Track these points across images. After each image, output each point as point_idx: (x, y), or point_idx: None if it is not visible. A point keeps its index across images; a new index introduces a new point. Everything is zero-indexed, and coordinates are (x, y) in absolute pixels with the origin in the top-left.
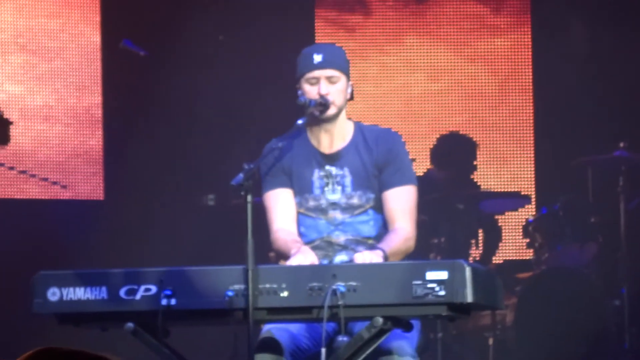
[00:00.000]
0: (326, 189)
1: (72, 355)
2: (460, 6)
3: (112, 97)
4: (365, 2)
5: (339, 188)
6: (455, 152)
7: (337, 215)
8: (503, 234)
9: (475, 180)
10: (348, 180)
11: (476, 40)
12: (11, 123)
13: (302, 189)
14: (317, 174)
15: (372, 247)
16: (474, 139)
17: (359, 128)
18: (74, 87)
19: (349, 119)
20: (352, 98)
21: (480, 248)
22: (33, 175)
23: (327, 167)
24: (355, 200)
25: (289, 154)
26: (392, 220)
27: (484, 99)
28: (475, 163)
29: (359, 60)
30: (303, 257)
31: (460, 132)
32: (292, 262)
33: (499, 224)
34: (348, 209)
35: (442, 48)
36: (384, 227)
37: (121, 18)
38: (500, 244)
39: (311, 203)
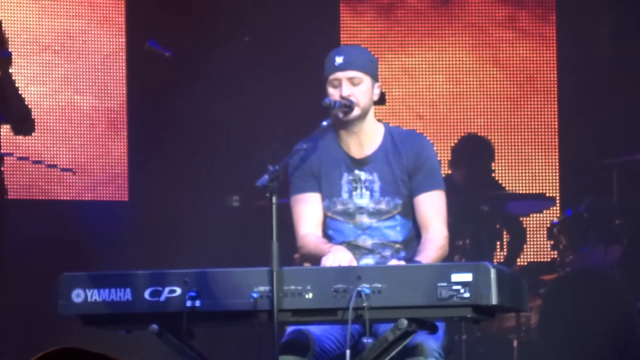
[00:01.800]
0: (354, 193)
1: (93, 357)
2: (484, 7)
3: (137, 98)
4: (389, 3)
5: (367, 193)
6: (471, 153)
7: (365, 219)
8: (527, 236)
9: (498, 180)
10: (377, 186)
11: (500, 41)
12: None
13: (330, 193)
14: (345, 177)
15: (398, 252)
16: (493, 141)
17: (388, 131)
18: (98, 88)
19: (379, 120)
20: (382, 101)
21: (505, 250)
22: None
23: (357, 172)
24: (383, 206)
25: (319, 157)
26: (426, 224)
27: (508, 100)
28: (492, 165)
29: (381, 62)
30: (343, 255)
31: (478, 134)
32: (330, 258)
33: (524, 226)
34: (376, 214)
35: (466, 50)
36: (411, 232)
37: (146, 19)
38: (525, 246)
39: (339, 207)
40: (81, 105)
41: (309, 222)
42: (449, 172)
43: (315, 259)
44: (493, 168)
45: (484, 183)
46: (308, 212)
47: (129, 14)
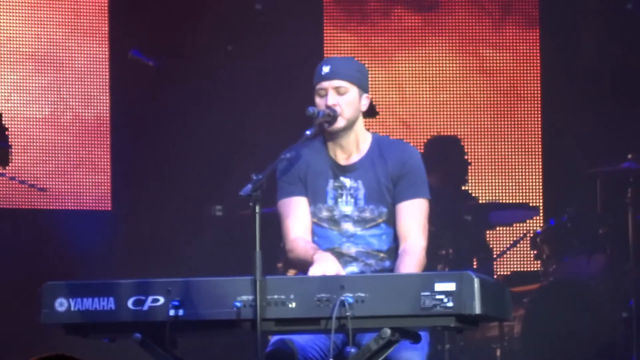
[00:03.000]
0: (339, 200)
1: None
2: (469, 16)
3: (120, 107)
4: (372, 13)
5: (352, 200)
6: (441, 155)
7: (349, 227)
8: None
9: (469, 191)
10: (361, 194)
11: (484, 50)
12: (10, 147)
13: (316, 198)
14: (331, 184)
15: (383, 261)
16: (476, 149)
17: (376, 140)
18: (81, 96)
19: (368, 130)
20: (373, 113)
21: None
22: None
23: (342, 179)
24: (367, 214)
25: (306, 163)
26: (404, 233)
27: (492, 109)
28: (466, 157)
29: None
30: (329, 264)
31: (442, 134)
32: (316, 268)
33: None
34: (360, 221)
35: (449, 58)
36: (396, 241)
37: (129, 28)
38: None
39: (324, 213)
40: (64, 113)
41: (298, 225)
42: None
43: (304, 263)
44: (468, 160)
45: (461, 182)
46: (297, 215)
47: (113, 23)
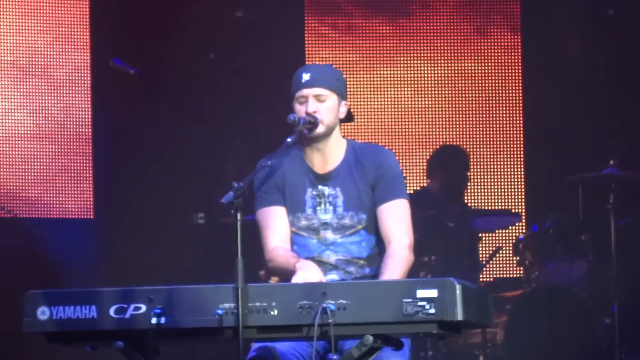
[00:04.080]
0: (318, 208)
1: None
2: (450, 21)
3: (102, 115)
4: (353, 19)
5: (331, 208)
6: (445, 163)
7: (329, 235)
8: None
9: (465, 200)
10: (340, 201)
11: (466, 57)
12: None
13: (294, 208)
14: (309, 193)
15: (362, 268)
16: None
17: (351, 147)
18: (62, 105)
19: (343, 137)
20: (349, 119)
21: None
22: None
23: (320, 187)
24: (347, 221)
25: (283, 172)
26: (388, 235)
27: (474, 115)
28: (468, 174)
29: (348, 76)
30: (311, 272)
31: (452, 144)
32: (298, 276)
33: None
34: (340, 229)
35: (431, 64)
36: (376, 248)
37: (111, 36)
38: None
39: (303, 222)
40: (45, 122)
41: (277, 235)
42: (427, 182)
43: (285, 272)
44: (469, 176)
45: (460, 192)
46: (275, 225)
47: (94, 31)
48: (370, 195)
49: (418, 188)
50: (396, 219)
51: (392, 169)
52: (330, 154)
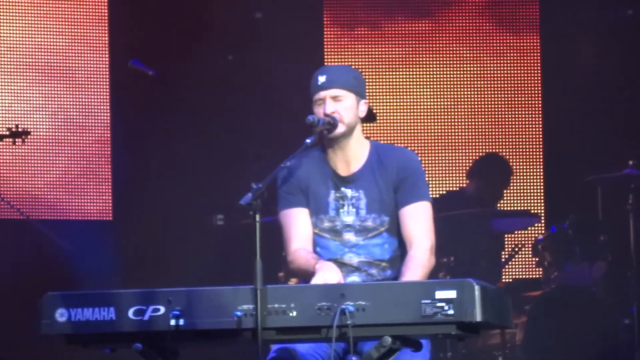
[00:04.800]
0: (341, 210)
1: None
2: (470, 23)
3: (121, 116)
4: (374, 20)
5: (354, 210)
6: (488, 170)
7: (351, 237)
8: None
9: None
10: (363, 203)
11: (485, 57)
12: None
13: (317, 210)
14: (332, 195)
15: (384, 270)
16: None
17: (375, 148)
18: (82, 106)
19: (367, 138)
20: (371, 118)
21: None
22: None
23: (343, 189)
24: (369, 223)
25: (306, 174)
26: (410, 238)
27: (493, 116)
28: (504, 189)
29: (367, 78)
30: (331, 274)
31: (499, 154)
32: (318, 277)
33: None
34: (362, 231)
35: (451, 65)
36: (398, 250)
37: (129, 38)
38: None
39: (326, 224)
40: (64, 123)
41: (300, 236)
42: (466, 182)
43: (305, 274)
44: (504, 192)
45: (493, 200)
46: (298, 226)
47: (113, 32)
48: (393, 198)
49: (454, 188)
50: (418, 222)
51: (415, 171)
52: (353, 156)
